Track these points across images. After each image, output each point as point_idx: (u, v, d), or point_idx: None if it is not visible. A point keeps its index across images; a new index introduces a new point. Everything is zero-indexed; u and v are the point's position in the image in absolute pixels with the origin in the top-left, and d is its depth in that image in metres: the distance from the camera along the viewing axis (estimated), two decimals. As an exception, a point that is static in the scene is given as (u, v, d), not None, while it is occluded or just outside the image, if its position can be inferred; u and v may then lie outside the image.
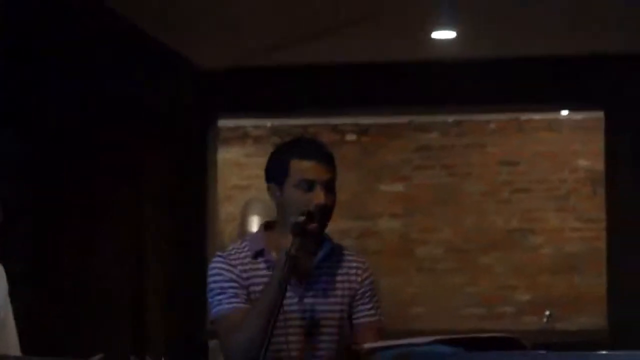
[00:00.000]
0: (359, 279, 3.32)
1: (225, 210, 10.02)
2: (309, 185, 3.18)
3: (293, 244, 3.05)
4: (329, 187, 3.20)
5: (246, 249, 3.28)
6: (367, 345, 2.77)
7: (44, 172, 6.42)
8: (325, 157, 3.24)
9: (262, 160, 3.40)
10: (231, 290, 3.21)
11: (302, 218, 3.09)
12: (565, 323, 9.49)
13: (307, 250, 3.15)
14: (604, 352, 2.16)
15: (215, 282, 3.24)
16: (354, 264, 3.33)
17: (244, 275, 3.22)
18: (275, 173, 3.25)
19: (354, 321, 3.30)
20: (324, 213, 3.17)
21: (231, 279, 3.22)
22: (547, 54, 8.04)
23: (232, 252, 3.28)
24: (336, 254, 3.32)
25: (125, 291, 7.78)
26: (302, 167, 3.19)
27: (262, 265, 3.24)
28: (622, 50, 7.87)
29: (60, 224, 6.74)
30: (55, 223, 6.68)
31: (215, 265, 3.25)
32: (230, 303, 3.20)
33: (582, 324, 9.77)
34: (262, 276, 3.22)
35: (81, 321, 6.79)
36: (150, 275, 8.05)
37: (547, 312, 8.37)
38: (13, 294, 3.00)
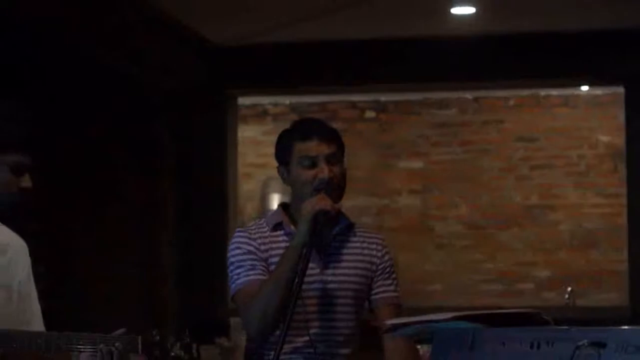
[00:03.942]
0: (379, 254, 3.36)
1: (245, 187, 10.03)
2: (312, 162, 3.23)
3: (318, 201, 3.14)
4: (333, 161, 3.25)
5: (264, 224, 3.33)
6: (387, 322, 2.78)
7: (58, 150, 6.42)
8: (324, 133, 3.28)
9: (281, 139, 3.44)
10: (248, 263, 3.25)
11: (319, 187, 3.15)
12: (585, 299, 9.45)
13: (325, 222, 3.18)
14: (626, 327, 2.15)
15: (233, 256, 3.29)
16: (373, 239, 3.38)
17: (263, 247, 3.27)
18: (282, 156, 3.32)
19: (373, 297, 3.33)
20: (333, 186, 3.20)
21: (249, 250, 3.26)
22: (567, 29, 7.98)
23: (252, 226, 3.36)
24: (354, 229, 3.36)
25: (145, 272, 7.81)
26: (304, 147, 3.25)
27: (281, 238, 3.29)
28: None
29: (73, 203, 6.75)
30: (69, 202, 6.69)
31: (235, 240, 3.31)
32: (248, 275, 3.24)
33: (602, 300, 9.74)
34: (281, 248, 3.26)
35: (99, 302, 6.81)
36: (170, 255, 8.07)
37: (569, 289, 8.33)
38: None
